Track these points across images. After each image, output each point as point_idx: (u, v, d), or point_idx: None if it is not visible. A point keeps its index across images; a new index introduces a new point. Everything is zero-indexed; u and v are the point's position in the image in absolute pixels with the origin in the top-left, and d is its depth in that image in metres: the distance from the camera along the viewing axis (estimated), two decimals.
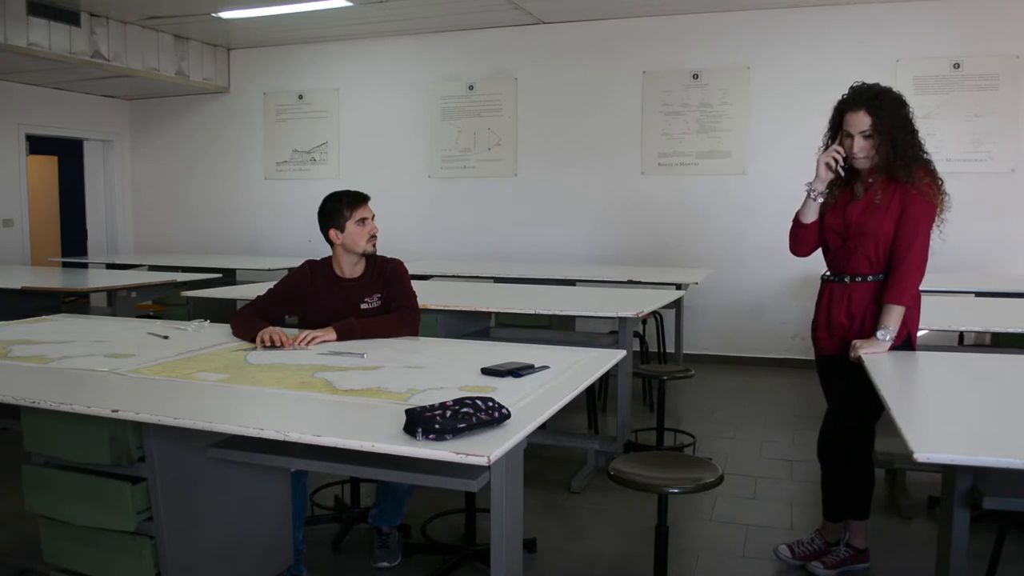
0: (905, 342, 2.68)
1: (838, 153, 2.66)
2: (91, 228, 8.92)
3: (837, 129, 2.70)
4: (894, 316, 2.62)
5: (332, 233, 3.01)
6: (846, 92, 2.67)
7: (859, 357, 2.55)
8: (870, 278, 2.70)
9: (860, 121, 2.59)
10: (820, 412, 2.99)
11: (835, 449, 2.88)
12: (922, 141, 2.67)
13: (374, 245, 3.05)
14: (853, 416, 2.79)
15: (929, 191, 2.62)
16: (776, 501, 3.65)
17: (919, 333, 2.81)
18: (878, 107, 2.58)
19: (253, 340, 2.76)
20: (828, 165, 2.69)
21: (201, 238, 8.57)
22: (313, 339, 2.75)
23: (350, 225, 2.98)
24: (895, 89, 2.65)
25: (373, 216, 3.05)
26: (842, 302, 2.75)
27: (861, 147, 2.62)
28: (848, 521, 2.91)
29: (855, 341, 2.65)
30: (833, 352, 2.79)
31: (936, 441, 1.68)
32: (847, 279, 2.74)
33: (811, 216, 2.81)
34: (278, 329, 2.78)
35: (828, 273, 2.84)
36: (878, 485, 3.77)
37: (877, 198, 2.65)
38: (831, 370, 2.85)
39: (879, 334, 2.61)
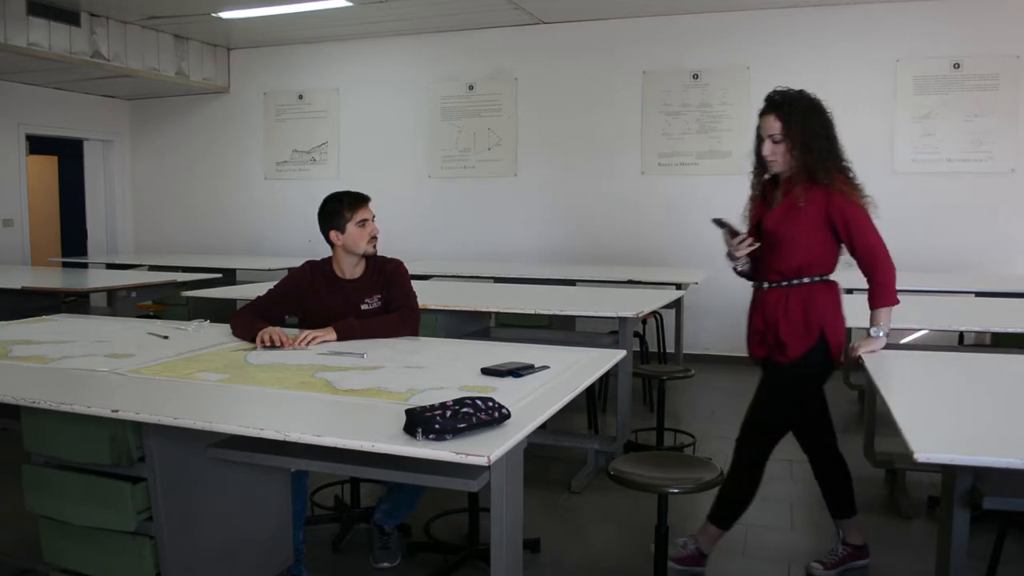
0: (821, 342, 2.67)
1: (741, 243, 2.72)
2: (91, 228, 8.92)
3: None
4: (885, 314, 2.65)
5: (333, 234, 3.01)
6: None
7: (859, 357, 2.56)
8: (784, 284, 2.71)
9: (770, 125, 2.64)
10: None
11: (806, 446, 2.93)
12: (842, 149, 2.68)
13: (375, 246, 3.04)
14: (755, 425, 2.83)
15: (852, 195, 2.63)
16: (776, 501, 3.65)
17: (919, 333, 2.83)
18: (788, 112, 2.61)
19: (253, 340, 2.76)
20: (732, 256, 2.78)
21: (201, 238, 8.57)
22: (313, 339, 2.75)
23: (351, 226, 2.98)
24: (816, 97, 2.68)
25: (374, 217, 3.04)
26: (758, 307, 2.80)
27: (770, 151, 2.65)
28: (838, 520, 2.91)
29: (854, 344, 2.65)
30: (756, 355, 2.85)
31: (936, 441, 1.67)
32: (765, 285, 2.77)
33: (745, 265, 2.86)
34: (278, 329, 2.78)
35: (752, 280, 2.88)
36: (878, 485, 3.78)
37: (787, 204, 2.67)
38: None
39: (872, 331, 2.65)
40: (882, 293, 2.65)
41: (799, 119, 2.60)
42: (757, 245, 2.73)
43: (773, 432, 2.83)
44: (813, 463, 2.94)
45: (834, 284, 2.75)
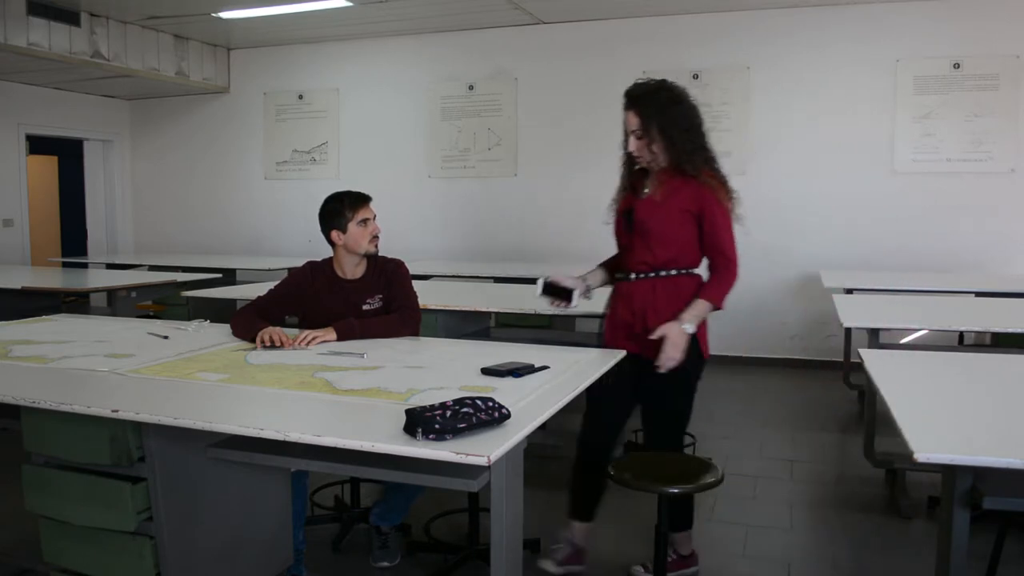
0: (693, 343, 2.64)
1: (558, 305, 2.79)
2: (91, 228, 8.92)
3: None
4: (704, 311, 2.62)
5: (334, 234, 3.00)
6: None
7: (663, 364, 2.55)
8: (651, 275, 2.70)
9: (630, 121, 2.64)
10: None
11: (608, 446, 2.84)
12: (707, 138, 2.66)
13: (376, 246, 3.04)
14: (662, 430, 2.77)
15: (719, 191, 2.63)
16: (776, 501, 3.65)
17: (919, 333, 2.81)
18: (645, 106, 2.60)
19: (253, 340, 2.76)
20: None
21: (201, 238, 8.57)
22: (313, 339, 2.75)
23: (352, 226, 2.97)
24: (678, 87, 2.66)
25: (375, 216, 3.04)
26: (624, 298, 2.76)
27: (635, 146, 2.64)
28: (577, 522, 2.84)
29: (664, 355, 2.56)
30: (621, 348, 2.76)
31: (936, 441, 1.67)
32: (632, 276, 2.74)
33: (602, 275, 2.89)
34: (278, 329, 2.78)
35: (617, 272, 2.85)
36: (878, 485, 3.79)
37: (657, 196, 2.66)
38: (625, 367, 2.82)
39: (686, 327, 2.57)
40: (717, 289, 2.64)
41: (657, 113, 2.59)
42: (569, 307, 2.77)
43: (681, 427, 2.81)
44: (588, 463, 2.83)
45: (699, 277, 2.73)
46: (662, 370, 2.56)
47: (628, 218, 2.72)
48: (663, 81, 2.66)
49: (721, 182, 2.65)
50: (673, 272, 2.68)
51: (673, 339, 2.55)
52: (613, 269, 2.91)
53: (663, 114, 2.59)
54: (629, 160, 2.74)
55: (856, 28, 6.33)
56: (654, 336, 2.57)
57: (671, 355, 2.55)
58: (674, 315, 2.62)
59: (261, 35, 7.72)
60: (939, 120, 6.21)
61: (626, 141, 2.69)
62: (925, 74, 6.23)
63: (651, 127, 2.60)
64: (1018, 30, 6.04)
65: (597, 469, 2.76)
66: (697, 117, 2.65)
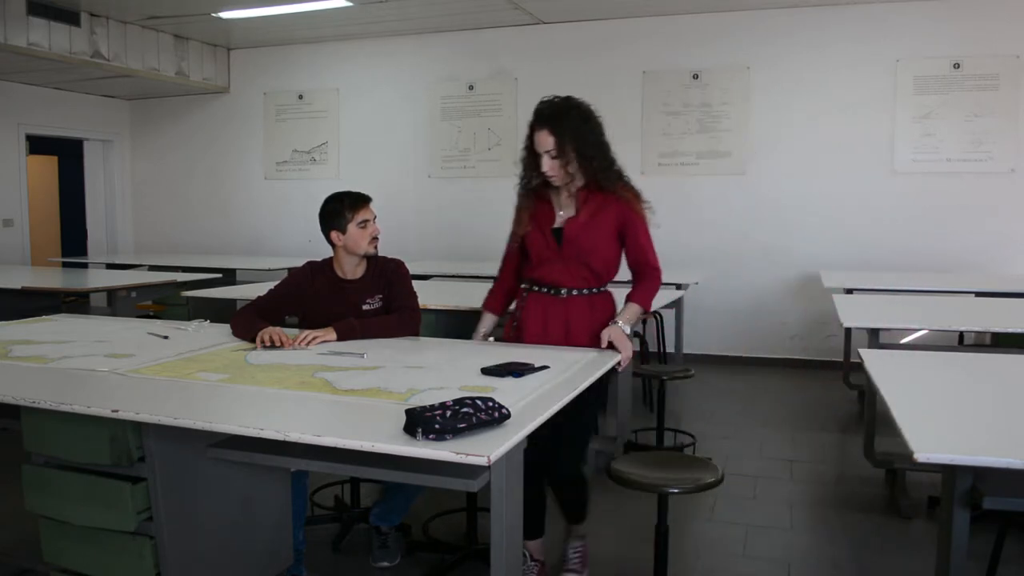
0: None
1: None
2: (91, 228, 8.92)
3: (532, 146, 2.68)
4: (637, 314, 2.68)
5: (334, 235, 3.00)
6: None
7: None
8: (585, 291, 2.70)
9: (544, 141, 2.59)
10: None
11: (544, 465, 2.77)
12: (614, 155, 2.68)
13: (376, 247, 3.04)
14: (578, 438, 2.74)
15: (637, 204, 2.66)
16: (776, 501, 3.65)
17: (919, 333, 2.82)
18: (561, 126, 2.57)
19: (253, 340, 2.75)
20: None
21: (201, 238, 8.57)
22: (313, 339, 2.75)
23: (352, 227, 2.97)
24: (584, 103, 2.64)
25: (375, 217, 3.04)
26: (558, 315, 2.72)
27: (549, 166, 2.61)
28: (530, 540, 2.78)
29: (623, 356, 2.58)
30: None
31: (936, 441, 1.67)
32: (563, 292, 2.71)
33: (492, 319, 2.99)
34: (278, 329, 2.77)
35: (535, 286, 2.77)
36: (878, 485, 3.79)
37: (588, 214, 2.66)
38: None
39: (624, 328, 2.63)
40: (646, 294, 2.69)
41: (572, 132, 2.57)
42: None
43: (588, 437, 2.83)
44: (534, 477, 2.69)
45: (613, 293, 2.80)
46: (620, 369, 2.61)
47: (557, 236, 2.70)
48: (569, 98, 2.64)
49: (636, 194, 2.68)
50: (604, 289, 2.74)
51: (619, 340, 2.61)
52: (507, 297, 2.95)
53: (577, 132, 2.58)
54: (529, 176, 2.71)
55: (856, 28, 6.34)
56: (603, 344, 2.61)
57: (627, 355, 2.61)
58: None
59: (261, 35, 7.72)
60: (939, 120, 6.22)
61: (534, 160, 2.65)
62: (925, 74, 6.24)
63: (566, 146, 2.58)
64: (1018, 30, 6.05)
65: (535, 483, 2.71)
66: (603, 133, 2.66)
